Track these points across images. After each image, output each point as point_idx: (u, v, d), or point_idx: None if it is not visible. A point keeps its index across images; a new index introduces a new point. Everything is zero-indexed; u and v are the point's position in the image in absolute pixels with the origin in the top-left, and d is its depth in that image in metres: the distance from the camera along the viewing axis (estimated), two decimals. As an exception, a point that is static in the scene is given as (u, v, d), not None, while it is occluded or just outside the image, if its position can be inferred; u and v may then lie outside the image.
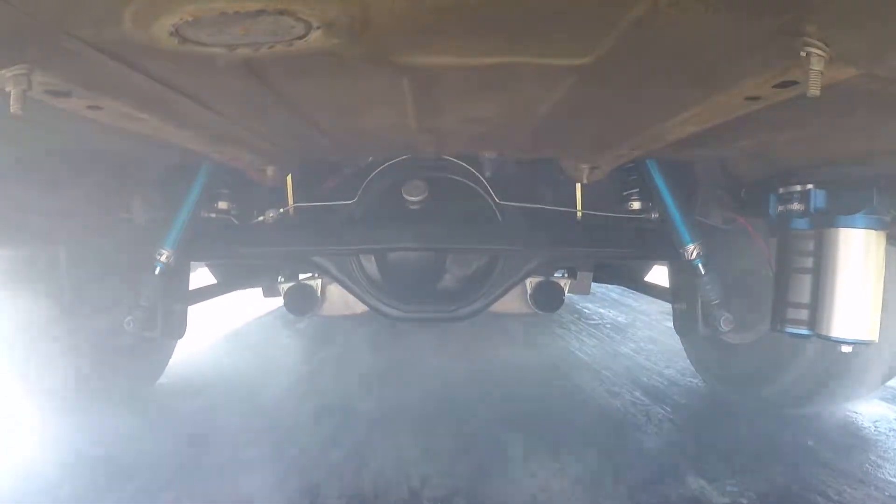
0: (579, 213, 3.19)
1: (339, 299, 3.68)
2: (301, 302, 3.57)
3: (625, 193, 3.18)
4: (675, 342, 4.15)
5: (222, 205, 3.09)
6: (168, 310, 2.94)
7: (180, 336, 3.10)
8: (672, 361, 4.40)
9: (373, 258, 3.16)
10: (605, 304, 6.94)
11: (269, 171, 2.55)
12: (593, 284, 4.27)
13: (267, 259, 3.41)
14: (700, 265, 2.81)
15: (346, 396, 3.61)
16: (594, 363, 4.48)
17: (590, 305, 6.82)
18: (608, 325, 5.89)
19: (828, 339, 2.30)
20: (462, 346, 4.89)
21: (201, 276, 4.24)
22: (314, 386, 3.92)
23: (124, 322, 2.80)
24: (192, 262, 3.28)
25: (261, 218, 3.05)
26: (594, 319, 6.16)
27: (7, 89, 1.21)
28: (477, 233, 3.07)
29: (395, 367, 4.37)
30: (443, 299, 3.17)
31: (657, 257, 3.39)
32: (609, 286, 6.71)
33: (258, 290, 4.26)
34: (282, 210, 3.06)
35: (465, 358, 4.55)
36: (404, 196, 2.95)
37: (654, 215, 3.07)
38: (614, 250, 3.20)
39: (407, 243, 2.96)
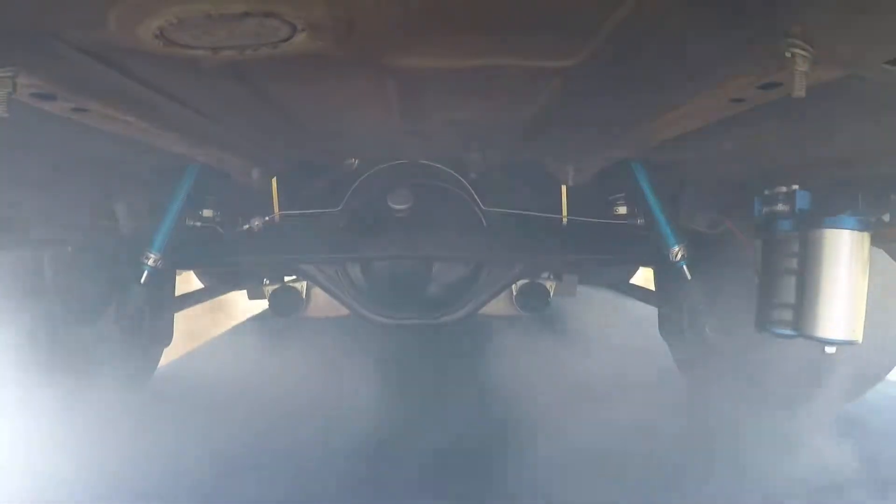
0: (565, 219, 3.19)
1: (323, 301, 3.67)
2: (286, 304, 3.57)
3: (610, 198, 3.18)
4: None
5: (207, 213, 3.07)
6: (154, 317, 2.93)
7: (167, 343, 3.09)
8: None
9: (359, 265, 3.15)
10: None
11: (255, 173, 2.54)
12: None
13: (252, 267, 3.40)
14: (685, 268, 2.81)
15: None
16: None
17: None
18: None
19: (812, 339, 2.31)
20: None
21: (187, 278, 4.23)
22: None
23: (110, 329, 2.79)
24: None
25: (246, 226, 3.04)
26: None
27: (-8, 92, 1.20)
28: (462, 241, 3.06)
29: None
30: (428, 306, 3.16)
31: (643, 262, 3.40)
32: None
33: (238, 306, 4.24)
34: (267, 218, 3.05)
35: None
36: (390, 204, 2.94)
37: (640, 220, 3.07)
38: (600, 256, 3.19)
39: (392, 252, 2.95)
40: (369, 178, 3.10)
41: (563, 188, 3.10)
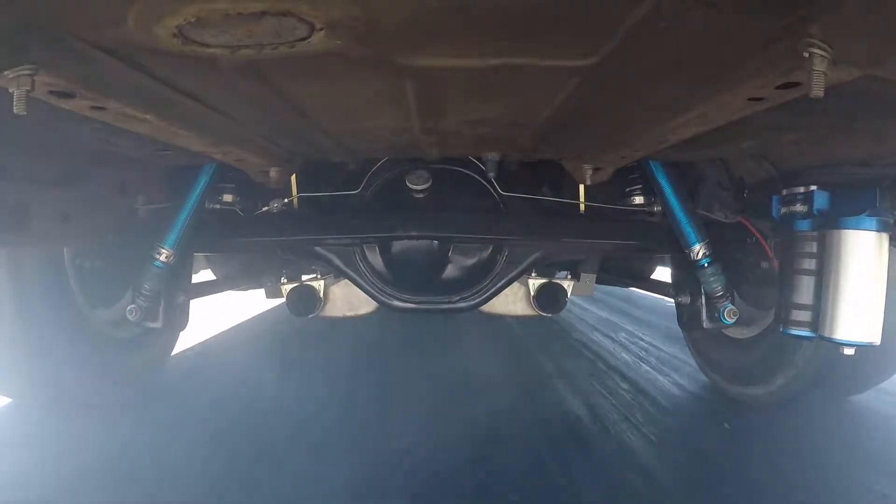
0: (582, 206, 3.19)
1: (341, 300, 3.66)
2: (303, 303, 3.57)
3: (627, 189, 3.18)
4: None
5: (227, 198, 3.08)
6: (170, 301, 2.95)
7: (182, 328, 3.12)
8: None
9: (376, 249, 3.15)
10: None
11: (273, 172, 2.54)
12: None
13: (271, 249, 3.38)
14: (706, 265, 2.81)
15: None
16: None
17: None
18: None
19: (830, 341, 2.30)
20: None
21: (204, 277, 4.25)
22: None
23: (126, 311, 2.81)
24: (195, 266, 3.28)
25: (265, 208, 3.05)
26: None
27: (10, 90, 1.21)
28: (481, 221, 3.07)
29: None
30: (446, 290, 3.16)
31: (661, 249, 3.39)
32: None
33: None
34: (286, 200, 3.06)
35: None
36: (408, 185, 2.95)
37: (657, 208, 3.07)
38: (618, 242, 3.19)
39: (411, 231, 2.96)
40: (388, 160, 3.12)
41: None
